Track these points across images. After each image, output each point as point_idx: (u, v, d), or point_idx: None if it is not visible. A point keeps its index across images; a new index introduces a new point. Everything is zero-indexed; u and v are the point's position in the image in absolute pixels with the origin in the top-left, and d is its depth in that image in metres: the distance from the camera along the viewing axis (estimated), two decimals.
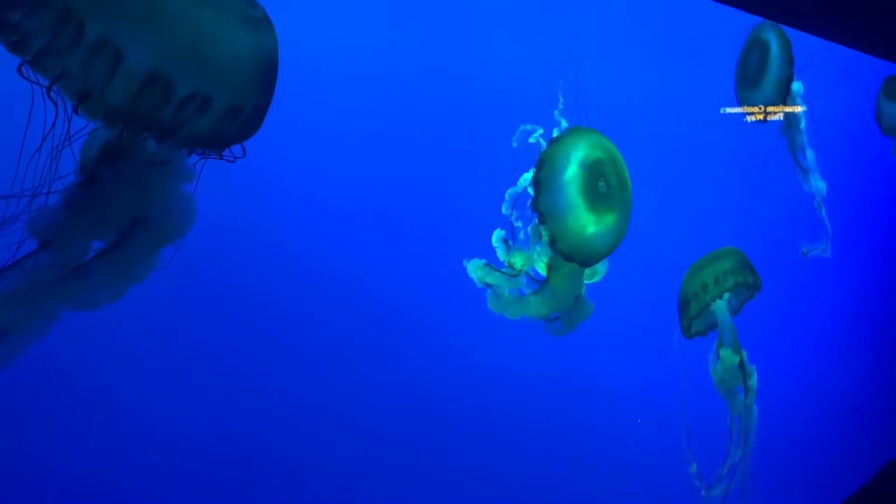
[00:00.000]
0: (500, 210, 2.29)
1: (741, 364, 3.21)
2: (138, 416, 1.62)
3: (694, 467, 3.21)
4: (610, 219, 2.28)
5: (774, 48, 3.43)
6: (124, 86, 1.21)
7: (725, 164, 3.54)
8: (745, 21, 3.46)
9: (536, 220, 2.24)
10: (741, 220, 3.63)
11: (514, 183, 2.29)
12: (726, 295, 3.13)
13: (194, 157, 1.39)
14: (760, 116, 3.45)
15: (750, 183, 3.69)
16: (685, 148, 3.22)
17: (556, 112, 2.27)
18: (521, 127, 2.26)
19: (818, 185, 3.71)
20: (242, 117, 1.34)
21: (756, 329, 3.35)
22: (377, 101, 2.12)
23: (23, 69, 1.20)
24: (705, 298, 3.09)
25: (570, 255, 2.24)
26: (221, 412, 1.75)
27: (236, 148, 1.42)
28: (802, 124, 3.55)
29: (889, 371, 5.34)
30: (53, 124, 1.26)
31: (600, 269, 2.39)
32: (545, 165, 2.22)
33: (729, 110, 3.43)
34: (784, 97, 3.46)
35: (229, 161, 1.41)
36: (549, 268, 2.30)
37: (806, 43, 3.63)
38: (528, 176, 2.28)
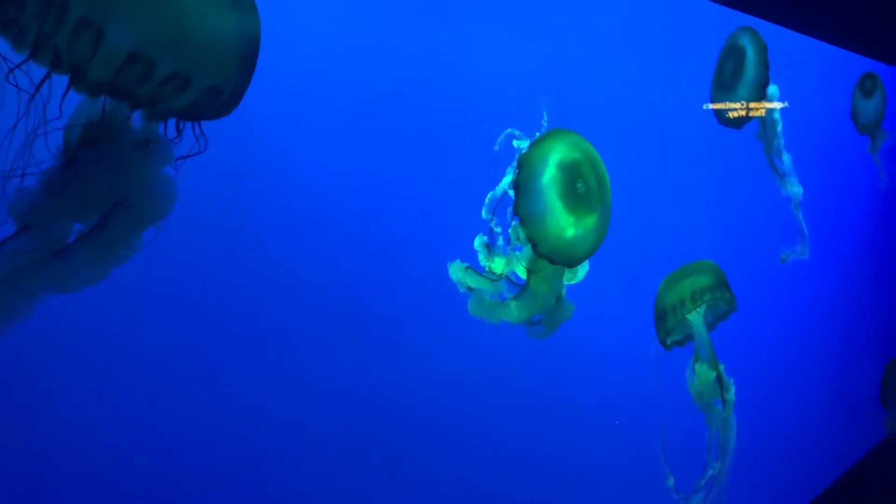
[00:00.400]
0: (481, 214, 2.30)
1: (718, 378, 3.22)
2: (121, 399, 1.60)
3: (671, 480, 3.20)
4: (590, 220, 2.30)
5: (750, 53, 3.48)
6: (106, 63, 1.23)
7: (705, 168, 3.56)
8: (725, 19, 3.49)
9: (516, 224, 2.26)
10: (718, 224, 3.65)
11: (494, 187, 2.31)
12: (702, 308, 3.16)
13: (177, 143, 1.40)
14: (742, 113, 3.49)
15: (727, 187, 3.71)
16: (663, 151, 3.25)
17: (538, 116, 2.30)
18: (507, 130, 2.28)
19: (794, 189, 3.76)
20: (222, 98, 1.35)
21: (734, 339, 3.38)
22: (359, 103, 2.13)
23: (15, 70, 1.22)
24: (682, 312, 3.12)
25: (552, 258, 2.25)
26: (202, 396, 1.74)
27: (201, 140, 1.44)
28: (779, 128, 3.60)
29: (872, 379, 5.32)
30: (27, 108, 1.27)
31: (581, 270, 2.40)
32: (524, 168, 2.24)
33: (711, 106, 3.46)
34: (760, 101, 3.51)
35: (195, 155, 1.42)
36: (529, 271, 2.32)
37: (782, 45, 3.67)
38: (507, 179, 2.29)
